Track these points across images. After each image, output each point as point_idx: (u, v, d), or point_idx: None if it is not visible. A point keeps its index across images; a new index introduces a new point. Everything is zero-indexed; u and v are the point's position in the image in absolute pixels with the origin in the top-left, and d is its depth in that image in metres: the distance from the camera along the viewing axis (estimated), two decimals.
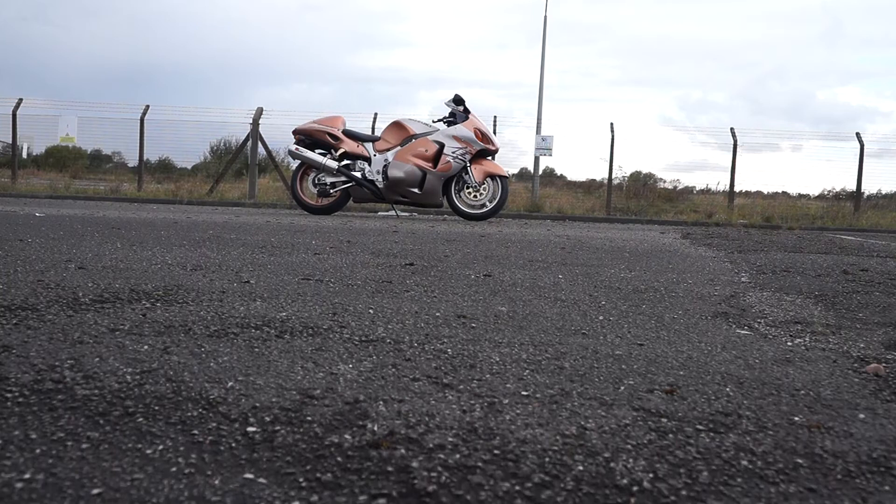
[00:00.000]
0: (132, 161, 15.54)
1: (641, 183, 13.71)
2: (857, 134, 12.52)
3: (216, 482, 0.71)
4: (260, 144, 12.11)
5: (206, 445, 0.80)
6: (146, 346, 1.25)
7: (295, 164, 8.20)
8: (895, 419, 1.03)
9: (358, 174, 7.60)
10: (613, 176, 11.85)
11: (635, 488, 0.73)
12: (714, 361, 1.35)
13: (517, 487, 0.72)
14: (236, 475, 0.73)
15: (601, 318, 1.80)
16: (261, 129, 11.98)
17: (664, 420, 0.97)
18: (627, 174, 13.31)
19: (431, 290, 2.17)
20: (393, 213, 9.04)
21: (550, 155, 12.01)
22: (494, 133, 10.33)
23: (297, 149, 7.69)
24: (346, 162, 7.61)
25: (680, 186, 14.79)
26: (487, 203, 7.63)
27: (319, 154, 7.65)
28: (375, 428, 0.88)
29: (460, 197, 7.68)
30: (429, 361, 1.25)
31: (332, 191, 7.62)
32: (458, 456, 0.80)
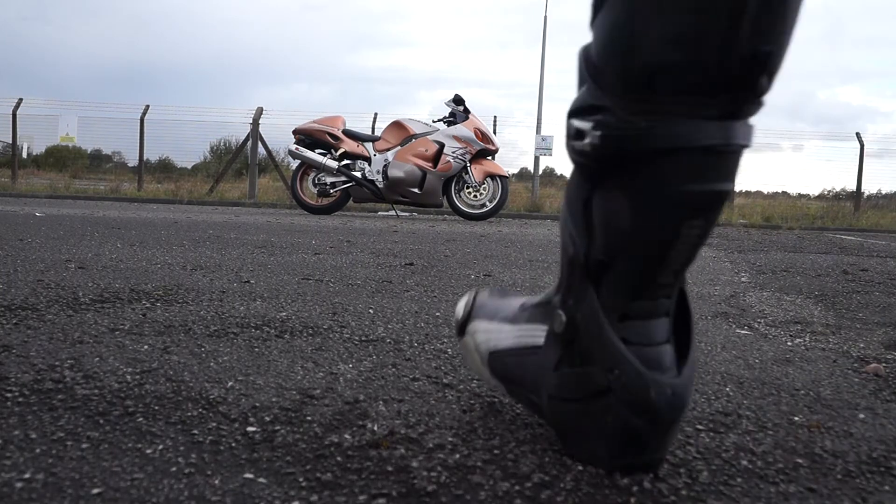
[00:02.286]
0: (132, 161, 15.56)
1: None
2: (857, 134, 12.54)
3: (216, 482, 0.71)
4: (260, 144, 12.11)
5: (206, 445, 0.80)
6: (146, 346, 1.25)
7: (295, 163, 8.21)
8: (895, 419, 1.03)
9: (358, 174, 7.60)
10: None
11: (635, 488, 0.73)
12: (714, 361, 1.35)
13: (517, 487, 0.72)
14: (236, 475, 0.73)
15: None
16: (261, 128, 11.99)
17: None
18: None
19: (431, 289, 2.17)
20: (393, 213, 9.03)
21: (551, 155, 12.03)
22: (494, 133, 10.33)
23: (297, 149, 7.70)
24: (346, 162, 7.61)
25: None
26: (487, 203, 7.64)
27: (319, 154, 7.65)
28: (375, 428, 0.88)
29: (460, 197, 7.68)
30: (429, 361, 1.25)
31: (332, 191, 7.62)
32: (457, 456, 0.80)
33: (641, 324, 0.74)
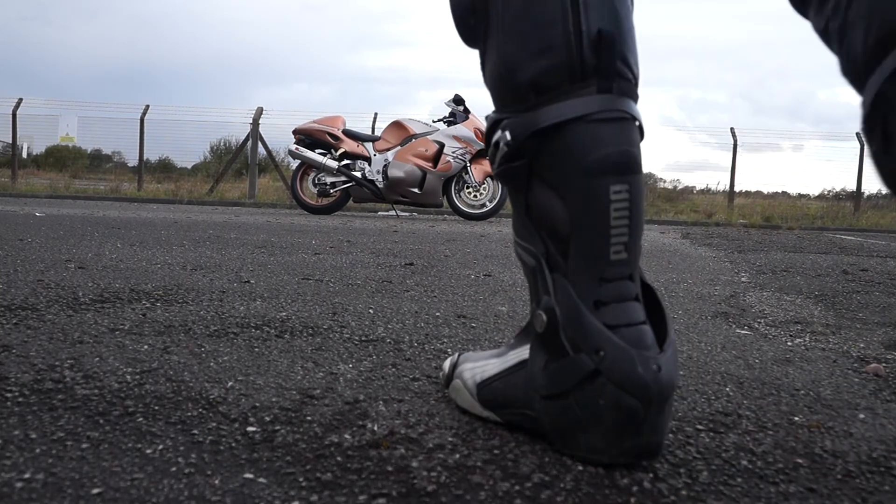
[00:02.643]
0: (132, 161, 15.57)
1: None
2: (858, 134, 12.53)
3: (216, 482, 0.71)
4: (260, 144, 12.11)
5: (206, 445, 0.80)
6: (146, 346, 1.25)
7: (295, 163, 8.21)
8: (895, 419, 1.03)
9: (358, 174, 7.60)
10: None
11: (635, 488, 0.73)
12: (714, 361, 1.35)
13: (517, 487, 0.72)
14: (236, 475, 0.73)
15: None
16: (261, 128, 11.99)
17: None
18: None
19: (431, 289, 2.17)
20: (393, 213, 9.04)
21: None
22: None
23: (297, 148, 7.70)
24: (346, 162, 7.61)
25: (680, 186, 14.81)
26: (487, 203, 7.64)
27: (319, 154, 7.65)
28: (375, 428, 0.88)
29: (460, 197, 7.68)
30: (429, 361, 1.25)
31: (332, 191, 7.63)
32: (457, 456, 0.80)
33: (616, 307, 0.79)
